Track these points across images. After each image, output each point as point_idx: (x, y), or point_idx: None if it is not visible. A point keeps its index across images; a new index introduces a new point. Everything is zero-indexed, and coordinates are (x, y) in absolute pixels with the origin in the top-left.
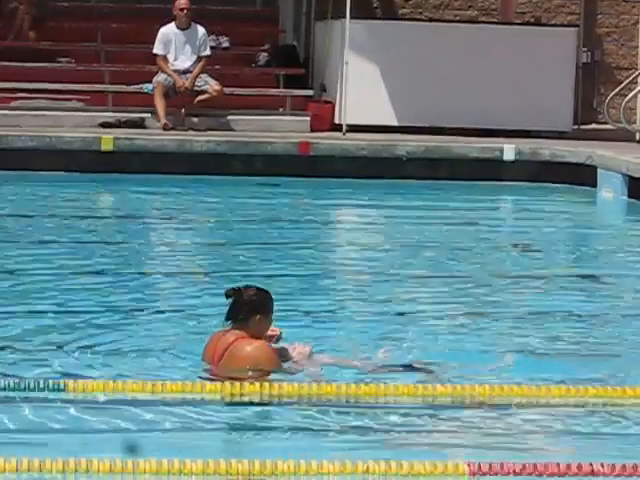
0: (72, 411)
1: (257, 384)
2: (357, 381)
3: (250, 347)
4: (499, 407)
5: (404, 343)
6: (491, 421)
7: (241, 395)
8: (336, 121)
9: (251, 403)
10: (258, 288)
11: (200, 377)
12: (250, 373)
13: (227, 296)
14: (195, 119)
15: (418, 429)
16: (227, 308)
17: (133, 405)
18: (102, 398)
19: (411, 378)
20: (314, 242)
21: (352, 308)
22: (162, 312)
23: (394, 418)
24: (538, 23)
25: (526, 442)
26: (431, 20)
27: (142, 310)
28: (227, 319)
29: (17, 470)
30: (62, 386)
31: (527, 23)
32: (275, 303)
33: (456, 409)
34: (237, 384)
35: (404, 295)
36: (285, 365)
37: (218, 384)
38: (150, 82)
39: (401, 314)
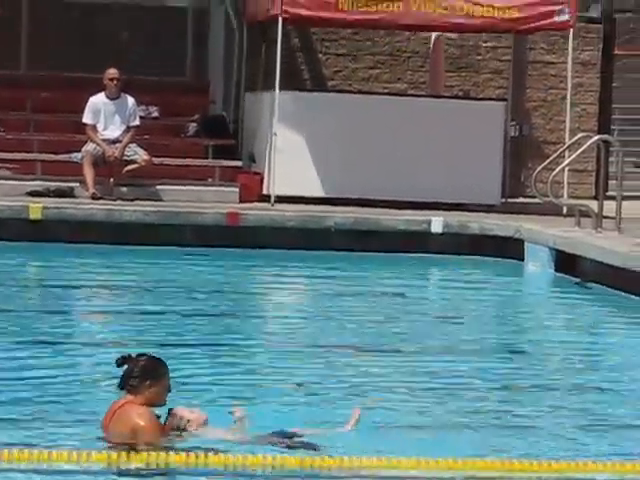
0: None
1: (183, 454)
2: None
3: (133, 413)
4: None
5: (309, 414)
6: None
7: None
8: (265, 192)
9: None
10: (149, 355)
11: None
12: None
13: (118, 364)
14: (124, 189)
15: None
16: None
17: (58, 475)
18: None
19: (293, 451)
20: (241, 312)
21: (269, 380)
22: (80, 381)
23: None
24: (467, 97)
25: None
26: (360, 92)
27: (59, 379)
28: (120, 387)
29: None
30: None
31: (456, 97)
32: (188, 372)
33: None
34: (162, 454)
35: (324, 367)
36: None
37: (144, 454)
38: (79, 151)
39: (318, 384)
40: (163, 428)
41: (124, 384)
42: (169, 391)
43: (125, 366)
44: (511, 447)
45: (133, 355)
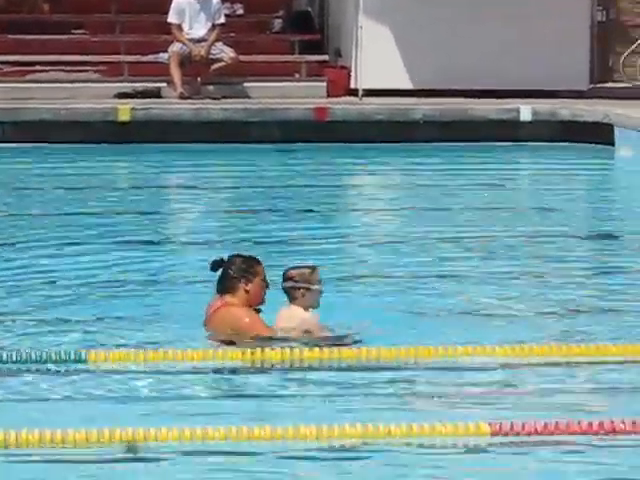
0: (91, 381)
1: (278, 350)
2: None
3: (234, 314)
4: (516, 367)
5: (411, 305)
6: (509, 382)
7: (261, 361)
8: (352, 86)
9: (269, 368)
10: (241, 255)
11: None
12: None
13: (212, 269)
14: (211, 87)
15: (438, 391)
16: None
17: (147, 374)
18: (122, 368)
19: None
20: (332, 207)
21: (363, 272)
22: (176, 281)
23: (413, 381)
24: None
25: (544, 401)
26: None
27: (156, 280)
28: (218, 291)
29: (40, 442)
30: (83, 356)
31: None
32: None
33: (476, 371)
34: (257, 351)
35: (420, 258)
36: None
37: (238, 351)
38: (165, 51)
39: (414, 277)
40: (264, 326)
41: (222, 287)
42: (267, 288)
43: (220, 269)
44: (606, 330)
45: (225, 257)
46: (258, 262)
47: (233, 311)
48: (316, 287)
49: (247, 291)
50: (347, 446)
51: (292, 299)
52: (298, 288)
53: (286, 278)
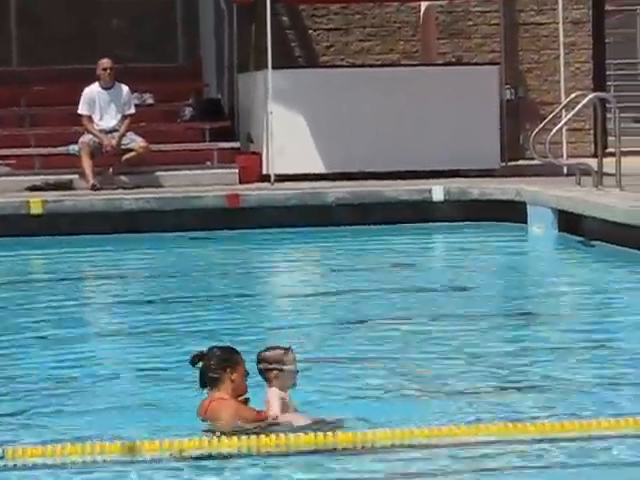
0: None
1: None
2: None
3: (225, 407)
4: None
5: (335, 390)
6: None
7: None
8: (264, 172)
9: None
10: (218, 345)
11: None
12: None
13: (193, 364)
14: (123, 177)
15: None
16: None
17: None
18: (42, 464)
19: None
20: (248, 294)
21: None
22: (97, 373)
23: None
24: (460, 63)
25: None
26: (353, 66)
27: (81, 374)
28: (202, 385)
29: None
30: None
31: (449, 63)
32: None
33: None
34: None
35: (337, 342)
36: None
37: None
38: (76, 143)
39: (336, 361)
40: (258, 414)
41: (205, 380)
42: (247, 375)
43: (200, 363)
44: (528, 408)
45: (204, 351)
46: (236, 351)
47: (221, 405)
48: (289, 367)
49: (233, 380)
50: None
51: (267, 381)
52: (271, 370)
53: (259, 360)
